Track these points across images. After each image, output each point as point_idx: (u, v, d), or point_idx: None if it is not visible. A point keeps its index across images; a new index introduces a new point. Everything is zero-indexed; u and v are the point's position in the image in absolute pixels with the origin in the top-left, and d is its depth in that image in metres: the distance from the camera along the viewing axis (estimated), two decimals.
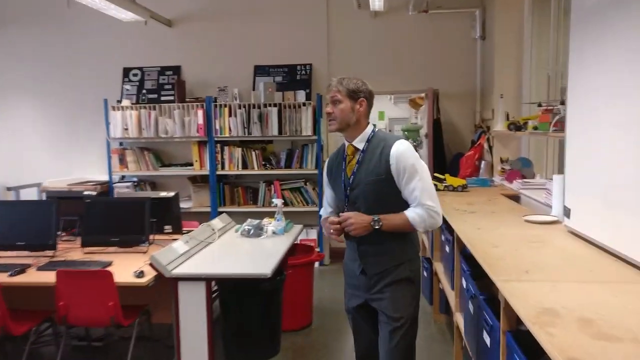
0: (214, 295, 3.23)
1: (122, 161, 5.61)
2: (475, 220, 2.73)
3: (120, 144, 5.76)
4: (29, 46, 5.98)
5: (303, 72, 5.53)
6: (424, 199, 1.98)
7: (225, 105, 5.32)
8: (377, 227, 1.97)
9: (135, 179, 5.78)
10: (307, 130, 5.23)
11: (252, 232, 3.55)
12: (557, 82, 3.75)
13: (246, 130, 5.29)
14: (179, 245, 3.03)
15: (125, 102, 5.51)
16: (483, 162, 4.58)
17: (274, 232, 3.56)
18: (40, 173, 5.88)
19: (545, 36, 4.21)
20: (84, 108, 5.87)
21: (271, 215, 3.65)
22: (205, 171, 5.45)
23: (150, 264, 2.76)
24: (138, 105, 5.51)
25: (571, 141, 2.33)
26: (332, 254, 5.59)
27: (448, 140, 5.20)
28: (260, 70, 5.60)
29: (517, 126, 3.70)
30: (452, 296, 2.91)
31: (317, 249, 5.38)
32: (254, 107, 5.28)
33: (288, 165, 5.43)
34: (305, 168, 5.37)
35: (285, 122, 5.24)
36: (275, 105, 5.25)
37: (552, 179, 2.94)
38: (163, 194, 3.66)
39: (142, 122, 5.42)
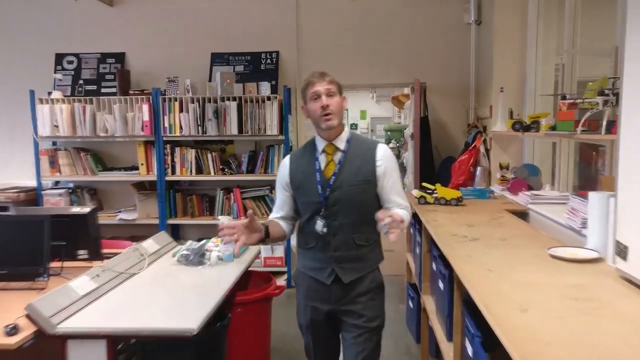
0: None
1: (54, 164, 4.74)
2: (482, 255, 1.98)
3: (54, 143, 4.89)
4: None
5: (268, 60, 4.74)
6: (406, 202, 2.04)
7: (176, 99, 4.50)
8: None
9: (71, 185, 4.92)
10: (272, 128, 4.44)
11: (191, 258, 2.77)
12: (574, 73, 3.03)
13: (200, 128, 4.47)
14: (81, 283, 2.23)
15: (56, 94, 4.64)
16: (479, 168, 3.86)
17: (220, 259, 2.79)
18: None
19: (553, 18, 3.50)
20: (7, 101, 4.97)
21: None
22: (153, 176, 4.62)
23: (27, 315, 1.95)
24: (73, 98, 4.65)
25: (629, 147, 1.59)
26: None
27: (437, 141, 4.46)
28: (218, 59, 4.78)
29: (524, 126, 2.98)
30: (448, 350, 2.15)
31: (284, 269, 4.60)
32: (209, 101, 4.46)
33: (251, 170, 4.63)
34: (270, 173, 4.58)
35: (247, 119, 4.44)
36: (234, 99, 4.45)
37: (578, 196, 2.21)
38: (75, 209, 2.85)
39: (76, 118, 4.56)
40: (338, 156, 1.97)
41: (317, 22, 4.73)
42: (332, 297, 1.99)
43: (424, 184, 3.43)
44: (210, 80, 4.68)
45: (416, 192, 3.34)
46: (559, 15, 3.40)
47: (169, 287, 2.41)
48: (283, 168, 2.08)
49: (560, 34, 3.33)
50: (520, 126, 2.99)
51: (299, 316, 2.17)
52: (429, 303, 2.87)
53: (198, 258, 2.76)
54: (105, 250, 2.97)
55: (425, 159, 4.34)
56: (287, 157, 2.10)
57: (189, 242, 2.96)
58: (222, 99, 4.45)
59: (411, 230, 3.54)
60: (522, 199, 3.01)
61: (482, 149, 3.88)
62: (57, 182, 4.96)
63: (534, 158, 3.61)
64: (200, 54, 4.79)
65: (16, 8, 4.95)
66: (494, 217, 2.71)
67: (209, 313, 2.06)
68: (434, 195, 3.21)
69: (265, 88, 4.53)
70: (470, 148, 3.95)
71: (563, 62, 3.04)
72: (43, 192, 4.73)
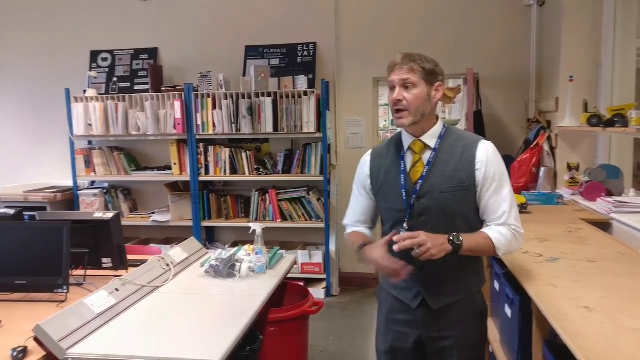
0: None
1: (89, 164, 4.62)
2: (570, 284, 1.59)
3: (89, 142, 4.78)
4: None
5: (305, 52, 4.43)
6: (511, 218, 1.59)
7: (209, 95, 4.27)
8: (456, 249, 1.50)
9: (106, 185, 4.79)
10: (309, 126, 4.13)
11: (220, 269, 2.50)
12: None
13: (234, 126, 4.22)
14: (97, 299, 2.00)
15: (90, 92, 4.51)
16: (542, 169, 3.42)
17: (251, 270, 2.52)
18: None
19: None
20: (46, 100, 4.91)
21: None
22: (186, 176, 4.41)
23: (36, 338, 1.73)
24: (106, 95, 4.51)
25: None
26: (342, 281, 4.49)
27: (492, 138, 3.96)
28: (252, 52, 4.51)
29: (605, 120, 2.54)
30: None
31: (323, 276, 4.30)
32: (243, 96, 4.20)
33: (287, 170, 4.35)
34: (307, 174, 4.28)
35: (282, 116, 4.16)
36: (269, 94, 4.17)
37: None
38: (97, 215, 2.62)
39: (109, 116, 4.41)
40: (427, 155, 1.63)
41: (356, 8, 4.37)
42: (419, 322, 1.68)
43: None
44: (244, 75, 4.42)
45: None
46: None
47: (193, 304, 2.15)
48: (362, 166, 1.78)
49: None
50: (598, 121, 2.56)
51: (378, 339, 1.85)
52: (489, 326, 2.48)
53: (227, 270, 2.50)
54: (131, 257, 2.78)
55: None
56: (368, 154, 1.79)
57: (218, 251, 2.70)
58: (257, 95, 4.18)
59: None
60: (602, 206, 2.58)
61: (546, 147, 3.43)
62: (92, 182, 4.85)
63: (611, 158, 3.14)
64: (233, 47, 4.54)
65: (52, 5, 4.85)
66: (570, 230, 2.30)
67: (235, 340, 1.78)
68: None
69: (301, 82, 4.23)
70: (532, 146, 3.51)
71: None
72: (79, 192, 4.62)
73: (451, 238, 1.51)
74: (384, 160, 1.72)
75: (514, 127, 4.15)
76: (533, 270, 1.74)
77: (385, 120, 10.86)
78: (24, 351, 1.69)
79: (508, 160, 3.83)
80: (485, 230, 1.61)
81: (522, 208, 2.75)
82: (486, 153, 1.59)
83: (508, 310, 2.02)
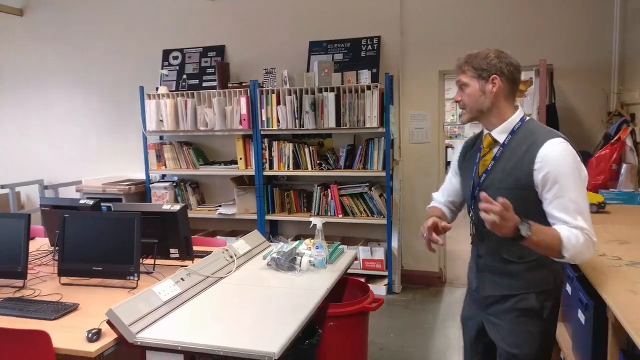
0: None
1: (160, 158, 4.87)
2: None
3: (161, 137, 5.03)
4: (60, 31, 5.43)
5: (369, 46, 4.37)
6: (580, 221, 1.46)
7: (273, 91, 4.34)
8: (523, 235, 1.39)
9: (175, 179, 5.02)
10: (372, 120, 4.09)
11: (281, 262, 2.55)
12: None
13: (297, 121, 4.26)
14: (164, 288, 2.10)
15: (162, 90, 4.73)
16: (624, 165, 3.16)
17: (311, 264, 2.54)
18: (80, 170, 5.35)
19: None
20: (123, 97, 5.22)
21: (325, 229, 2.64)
22: (251, 171, 4.52)
23: (108, 321, 1.85)
24: (176, 92, 4.72)
25: None
26: (404, 279, 4.42)
27: (567, 133, 3.73)
28: (316, 47, 4.53)
29: None
30: None
31: (385, 273, 4.25)
32: (306, 92, 4.23)
33: (349, 166, 4.33)
34: (369, 169, 4.23)
35: (345, 111, 4.14)
36: (332, 89, 4.17)
37: None
38: (166, 207, 2.75)
39: (179, 113, 4.61)
40: (496, 150, 1.66)
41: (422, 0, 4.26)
42: (479, 302, 1.78)
43: None
44: (307, 71, 4.45)
45: None
46: None
47: (255, 296, 2.20)
48: (457, 150, 1.91)
49: None
50: None
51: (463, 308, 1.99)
52: (560, 330, 2.34)
53: (289, 263, 2.53)
54: (197, 248, 2.89)
55: None
56: (464, 141, 1.90)
57: (280, 244, 2.74)
58: (320, 90, 4.19)
59: None
60: None
61: (629, 142, 3.17)
62: (163, 176, 5.10)
63: None
64: (297, 43, 4.58)
65: (127, 8, 5.14)
66: None
67: (294, 333, 1.80)
68: None
69: (365, 77, 4.19)
70: (613, 141, 3.25)
71: None
72: (151, 185, 4.88)
73: (519, 226, 1.39)
74: (469, 149, 1.80)
75: (592, 120, 3.86)
76: (610, 275, 1.61)
77: (453, 115, 10.53)
78: (98, 333, 1.81)
79: (585, 156, 3.58)
80: (557, 227, 1.48)
81: (600, 207, 2.56)
82: (548, 153, 1.48)
83: (581, 316, 1.89)
